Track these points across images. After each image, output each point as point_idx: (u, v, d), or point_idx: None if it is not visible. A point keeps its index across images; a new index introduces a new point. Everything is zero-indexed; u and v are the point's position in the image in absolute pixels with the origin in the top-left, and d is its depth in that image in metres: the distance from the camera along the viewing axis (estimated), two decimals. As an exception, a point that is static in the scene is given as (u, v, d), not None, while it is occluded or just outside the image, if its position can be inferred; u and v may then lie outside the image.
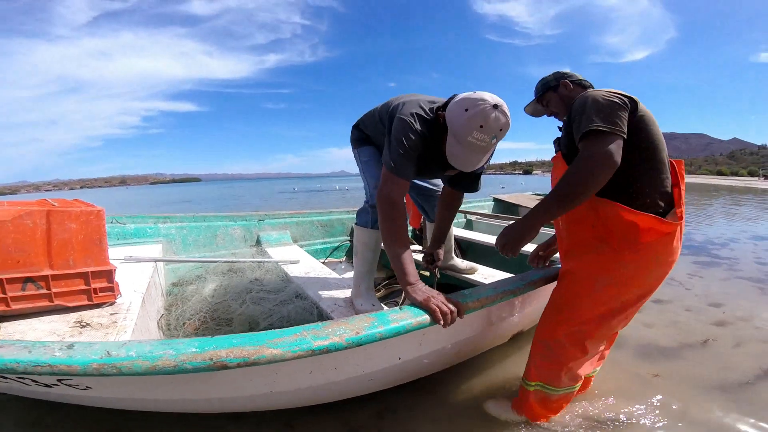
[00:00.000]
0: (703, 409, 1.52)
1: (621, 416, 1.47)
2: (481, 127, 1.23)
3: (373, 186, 1.72)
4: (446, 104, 1.37)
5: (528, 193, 5.88)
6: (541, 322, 1.38)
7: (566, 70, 1.44)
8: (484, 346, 1.83)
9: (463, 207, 4.46)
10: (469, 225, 4.18)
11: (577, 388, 1.42)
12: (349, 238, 3.42)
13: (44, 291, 1.23)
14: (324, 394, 1.27)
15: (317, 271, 2.28)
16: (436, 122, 1.38)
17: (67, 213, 1.25)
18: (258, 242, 3.03)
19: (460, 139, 1.27)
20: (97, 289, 1.32)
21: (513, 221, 1.25)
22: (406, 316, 1.01)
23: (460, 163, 1.31)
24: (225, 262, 2.37)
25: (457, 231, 3.39)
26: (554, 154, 1.35)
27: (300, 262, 2.46)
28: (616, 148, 1.03)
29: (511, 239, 1.20)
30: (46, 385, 0.86)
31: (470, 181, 1.77)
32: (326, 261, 3.16)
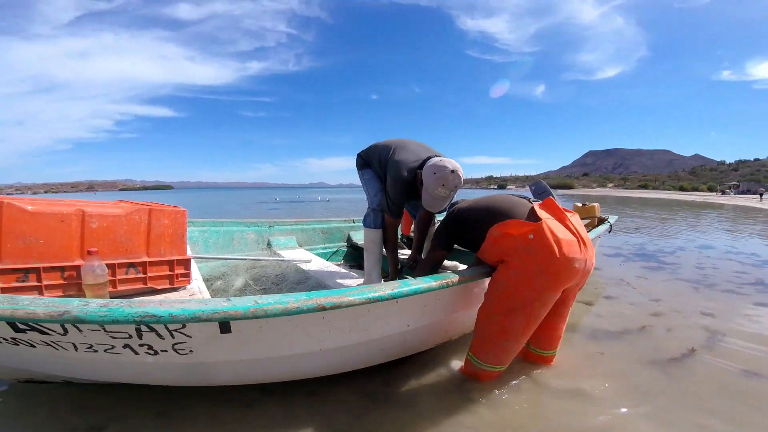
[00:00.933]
0: (639, 377, 1.97)
1: (571, 384, 1.88)
2: (443, 185, 1.94)
3: (373, 195, 2.32)
4: (423, 164, 2.07)
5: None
6: (480, 307, 1.79)
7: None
8: (469, 326, 2.30)
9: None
10: None
11: (499, 371, 1.80)
12: (346, 244, 3.85)
13: (141, 275, 1.63)
14: (349, 360, 1.66)
15: (328, 268, 2.73)
16: (414, 179, 2.10)
17: (163, 211, 1.66)
18: (269, 245, 3.43)
19: (429, 192, 1.98)
20: (178, 274, 1.72)
21: None
22: (420, 283, 1.46)
23: (429, 207, 2.04)
24: (253, 260, 2.77)
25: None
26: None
27: (312, 262, 2.89)
28: None
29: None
30: (151, 352, 1.21)
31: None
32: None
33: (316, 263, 2.87)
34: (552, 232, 1.56)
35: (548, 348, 1.97)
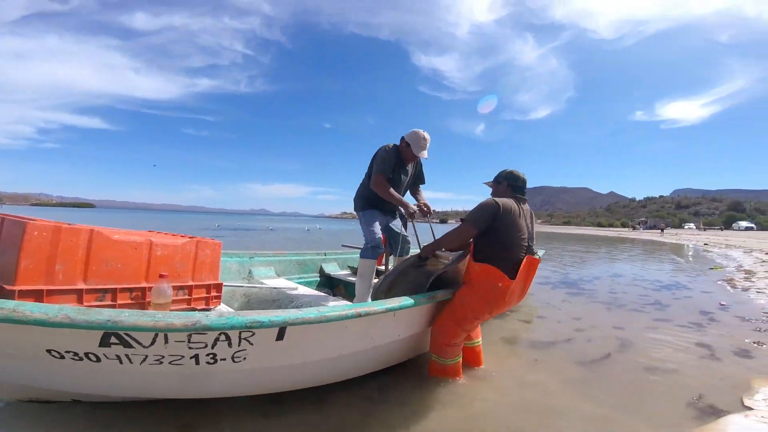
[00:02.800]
0: (569, 373, 2.60)
1: (521, 380, 2.46)
2: (423, 138, 2.79)
3: (368, 232, 2.82)
4: (402, 139, 2.86)
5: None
6: (439, 316, 2.33)
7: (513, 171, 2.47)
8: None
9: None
10: None
11: (459, 361, 2.36)
12: (319, 274, 4.24)
13: (187, 296, 1.99)
14: (355, 365, 2.04)
15: (312, 293, 3.16)
16: (399, 146, 2.87)
17: (206, 242, 2.05)
18: (250, 274, 3.75)
19: (415, 143, 2.79)
20: (212, 297, 2.09)
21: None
22: (402, 301, 1.95)
23: (418, 152, 2.80)
24: (248, 287, 3.11)
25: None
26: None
27: (298, 290, 3.30)
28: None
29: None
30: (211, 361, 1.44)
31: (420, 180, 3.22)
32: None
33: (302, 290, 3.27)
34: (512, 291, 2.20)
35: (477, 338, 2.60)
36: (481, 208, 2.22)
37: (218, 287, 2.13)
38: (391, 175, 2.86)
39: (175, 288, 1.92)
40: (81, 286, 1.63)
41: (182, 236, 2.07)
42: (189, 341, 1.34)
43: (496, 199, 2.24)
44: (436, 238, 2.42)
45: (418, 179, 3.23)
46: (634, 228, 46.30)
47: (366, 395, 2.13)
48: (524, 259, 2.21)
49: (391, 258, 3.42)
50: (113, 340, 1.25)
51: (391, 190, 2.78)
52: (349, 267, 4.18)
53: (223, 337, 1.38)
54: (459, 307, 2.25)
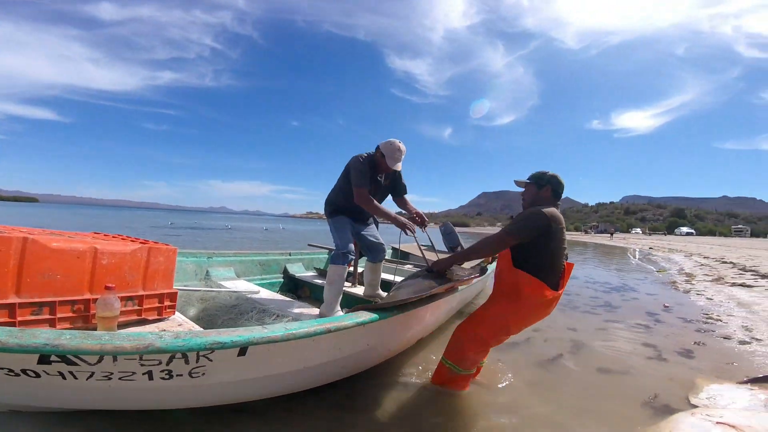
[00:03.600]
0: (528, 372, 2.70)
1: (485, 380, 2.51)
2: (398, 148, 2.72)
3: (338, 238, 2.79)
4: (377, 148, 2.78)
5: (414, 243, 7.28)
6: (467, 322, 2.23)
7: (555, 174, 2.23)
8: (399, 348, 2.81)
9: None
10: None
11: (473, 373, 2.29)
12: (283, 275, 4.14)
13: (137, 307, 1.85)
14: (323, 375, 2.00)
15: (275, 297, 3.06)
16: (374, 155, 2.80)
17: (159, 249, 1.92)
18: (207, 275, 3.58)
19: (389, 155, 2.72)
20: (165, 306, 1.97)
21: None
22: (371, 315, 1.90)
23: (393, 165, 2.71)
24: (206, 291, 2.96)
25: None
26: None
27: (260, 293, 3.18)
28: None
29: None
30: (166, 377, 1.35)
31: (400, 187, 3.13)
32: None
33: (264, 294, 3.15)
34: (556, 301, 2.09)
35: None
36: (529, 220, 2.01)
37: (172, 296, 2.01)
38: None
39: (123, 298, 1.79)
40: (13, 300, 1.48)
41: (133, 240, 1.93)
42: (141, 359, 1.26)
43: (545, 210, 2.01)
44: (434, 247, 2.34)
45: (399, 188, 3.15)
46: (586, 232, 48.97)
47: (336, 401, 2.12)
48: (565, 267, 2.13)
49: (363, 263, 3.39)
50: (54, 357, 1.16)
51: (378, 205, 2.76)
52: (315, 268, 4.09)
53: (179, 355, 1.30)
54: (499, 319, 2.10)
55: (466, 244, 5.61)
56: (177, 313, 2.09)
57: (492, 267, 4.66)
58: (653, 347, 3.37)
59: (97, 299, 1.63)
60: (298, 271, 4.11)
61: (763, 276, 7.98)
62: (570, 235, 44.40)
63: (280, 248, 4.62)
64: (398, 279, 3.93)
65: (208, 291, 2.98)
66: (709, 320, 4.37)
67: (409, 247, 6.79)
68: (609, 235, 41.29)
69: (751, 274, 8.43)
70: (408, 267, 5.06)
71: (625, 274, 9.27)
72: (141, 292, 1.86)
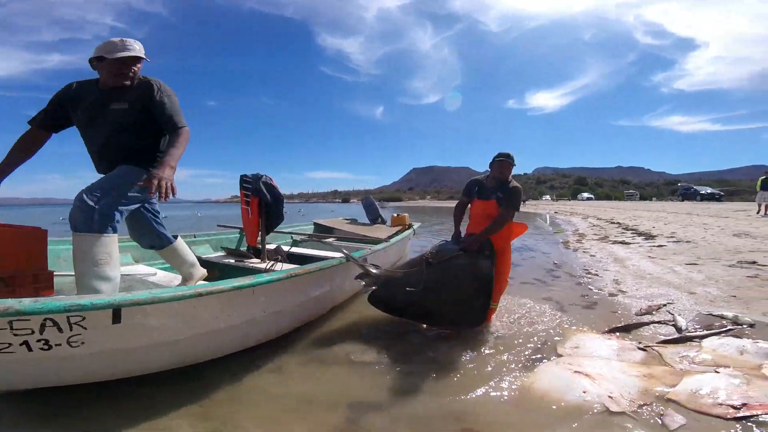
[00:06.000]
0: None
1: (376, 354, 2.76)
2: (110, 41, 2.07)
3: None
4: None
5: (340, 218, 7.36)
6: (501, 273, 2.98)
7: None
8: (313, 315, 2.92)
9: (289, 229, 5.59)
10: (295, 243, 5.27)
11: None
12: None
13: (9, 288, 1.73)
14: (217, 345, 2.06)
15: (172, 277, 3.00)
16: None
17: (25, 230, 1.78)
18: None
19: (108, 49, 2.04)
20: (42, 286, 1.85)
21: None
22: (255, 279, 1.98)
23: (114, 54, 2.04)
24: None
25: (286, 248, 4.42)
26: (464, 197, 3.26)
27: (157, 275, 3.07)
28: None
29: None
30: (45, 347, 1.38)
31: (160, 118, 2.19)
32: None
33: (161, 276, 3.05)
34: None
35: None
36: (520, 195, 3.03)
37: (47, 277, 1.88)
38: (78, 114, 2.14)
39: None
40: None
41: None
42: (12, 328, 1.28)
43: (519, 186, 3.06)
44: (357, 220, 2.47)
45: (154, 117, 2.16)
46: (504, 200, 53.30)
47: (236, 371, 2.18)
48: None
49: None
50: None
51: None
52: (223, 248, 3.99)
53: (50, 323, 1.33)
54: (508, 264, 3.12)
55: (387, 215, 5.78)
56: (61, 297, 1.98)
57: (400, 236, 4.94)
58: (542, 301, 3.75)
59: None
60: (205, 252, 3.98)
61: (640, 234, 9.30)
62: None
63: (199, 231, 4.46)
64: (319, 253, 3.99)
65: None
66: (588, 275, 4.95)
67: (332, 221, 6.88)
68: (522, 202, 45.13)
69: (631, 233, 9.75)
70: (330, 240, 5.14)
71: (527, 236, 10.27)
72: (11, 273, 1.74)
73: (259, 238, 3.44)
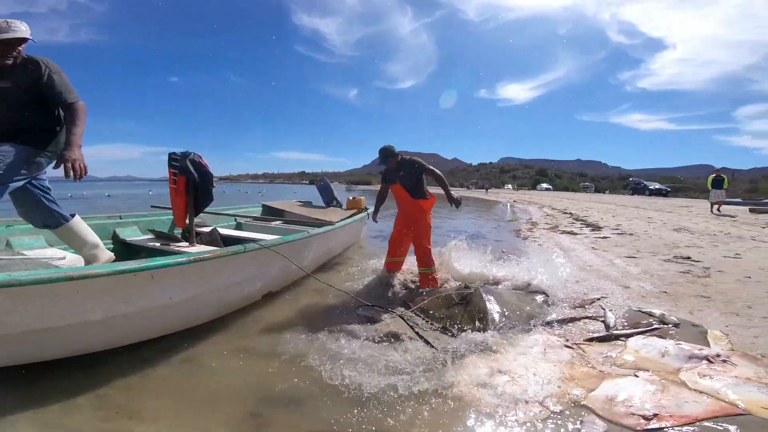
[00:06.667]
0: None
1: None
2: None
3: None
4: None
5: (293, 200, 7.12)
6: (422, 240, 3.71)
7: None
8: (236, 303, 2.76)
9: (233, 212, 5.32)
10: (239, 227, 5.01)
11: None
12: (112, 242, 3.64)
13: None
14: (127, 331, 1.95)
15: (76, 259, 2.74)
16: None
17: None
18: (9, 246, 3.00)
19: None
20: None
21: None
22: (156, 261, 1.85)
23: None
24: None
25: (230, 232, 4.18)
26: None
27: (66, 258, 2.79)
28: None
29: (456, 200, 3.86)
30: None
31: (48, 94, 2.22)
32: None
33: (70, 259, 2.78)
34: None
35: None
36: (415, 160, 3.83)
37: None
38: None
39: None
40: None
41: None
42: None
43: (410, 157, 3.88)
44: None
45: (43, 96, 2.20)
46: (468, 188, 54.01)
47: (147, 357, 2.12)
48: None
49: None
50: None
51: None
52: (152, 231, 3.70)
53: None
54: (428, 229, 3.81)
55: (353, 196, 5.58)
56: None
57: (350, 220, 4.84)
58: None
59: None
60: (132, 235, 3.66)
61: (588, 225, 9.68)
62: (454, 191, 48.63)
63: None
64: (263, 237, 3.79)
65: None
66: (533, 262, 5.05)
67: (283, 203, 6.62)
68: (485, 190, 46.11)
69: (581, 223, 10.14)
70: (276, 224, 4.93)
71: (484, 223, 10.46)
72: None
73: (187, 220, 3.20)
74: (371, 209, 5.79)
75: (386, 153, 3.78)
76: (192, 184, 2.93)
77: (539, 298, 3.29)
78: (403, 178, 3.74)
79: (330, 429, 1.63)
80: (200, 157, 2.97)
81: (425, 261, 3.70)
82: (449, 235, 7.57)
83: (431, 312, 3.02)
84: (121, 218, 3.77)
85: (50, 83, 2.16)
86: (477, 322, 2.73)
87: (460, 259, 4.23)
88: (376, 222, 4.49)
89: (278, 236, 3.28)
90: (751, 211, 13.37)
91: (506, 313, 2.82)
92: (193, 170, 2.87)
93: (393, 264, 4.00)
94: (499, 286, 3.60)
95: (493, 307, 2.83)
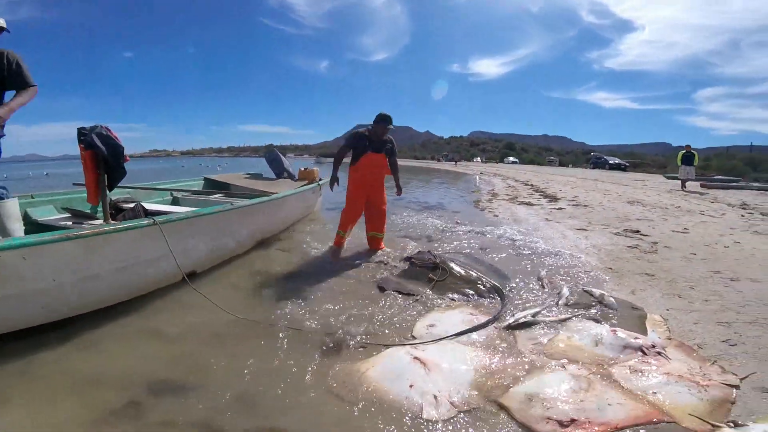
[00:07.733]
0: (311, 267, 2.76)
1: None
2: None
3: None
4: None
5: (241, 173, 6.75)
6: (376, 205, 3.94)
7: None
8: (146, 284, 2.56)
9: (170, 186, 4.96)
10: (175, 201, 4.66)
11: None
12: (23, 224, 3.29)
13: None
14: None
15: None
16: None
17: None
18: (27, 215, 3.08)
19: None
20: None
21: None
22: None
23: None
24: None
25: (161, 207, 3.88)
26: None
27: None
28: None
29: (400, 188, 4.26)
30: None
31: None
32: None
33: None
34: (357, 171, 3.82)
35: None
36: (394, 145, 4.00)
37: None
38: None
39: None
40: None
41: None
42: None
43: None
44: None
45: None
46: (438, 160, 54.12)
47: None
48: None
49: None
50: None
51: None
52: (67, 209, 3.35)
53: None
54: (384, 199, 4.02)
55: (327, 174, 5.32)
56: None
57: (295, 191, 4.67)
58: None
59: None
60: (45, 214, 3.31)
61: (546, 196, 9.81)
62: (425, 163, 48.48)
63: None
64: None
65: None
66: (485, 234, 5.00)
67: (228, 176, 6.27)
68: (454, 162, 46.28)
69: (539, 195, 10.28)
70: (216, 197, 4.64)
71: (445, 194, 10.45)
72: None
73: (100, 195, 2.91)
74: (325, 180, 5.53)
75: (387, 120, 3.74)
76: (101, 159, 2.63)
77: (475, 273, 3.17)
78: (389, 150, 3.90)
79: (203, 422, 1.48)
80: (108, 130, 2.66)
81: (382, 225, 4.01)
82: (407, 205, 7.53)
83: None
84: (33, 197, 3.39)
85: (18, 71, 2.48)
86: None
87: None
88: (333, 191, 4.38)
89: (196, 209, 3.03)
90: (702, 186, 13.61)
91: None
92: (100, 144, 2.57)
93: (342, 240, 3.94)
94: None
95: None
